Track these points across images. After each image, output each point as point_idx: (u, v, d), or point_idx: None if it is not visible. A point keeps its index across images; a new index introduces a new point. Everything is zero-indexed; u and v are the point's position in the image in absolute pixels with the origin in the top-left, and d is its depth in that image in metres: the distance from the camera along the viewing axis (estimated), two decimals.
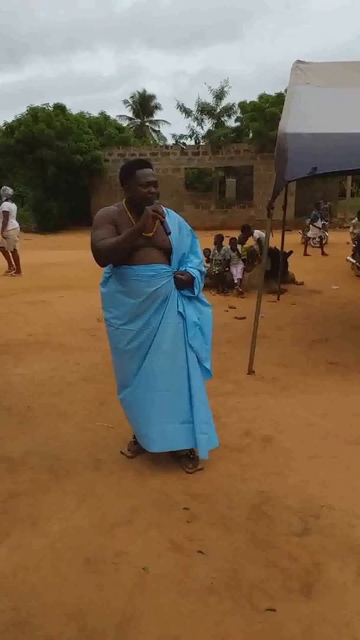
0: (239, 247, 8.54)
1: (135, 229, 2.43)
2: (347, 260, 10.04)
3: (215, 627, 1.78)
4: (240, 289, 8.02)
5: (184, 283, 2.65)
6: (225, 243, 8.48)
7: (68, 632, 1.77)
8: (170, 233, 2.55)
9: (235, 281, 8.13)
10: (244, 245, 8.67)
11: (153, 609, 1.86)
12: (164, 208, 2.66)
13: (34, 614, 1.84)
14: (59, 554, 2.16)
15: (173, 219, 2.71)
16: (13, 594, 1.95)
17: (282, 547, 2.19)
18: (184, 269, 2.70)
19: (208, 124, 22.70)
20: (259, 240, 8.45)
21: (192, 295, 2.71)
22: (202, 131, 22.70)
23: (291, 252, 8.52)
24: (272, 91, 22.40)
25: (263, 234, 7.67)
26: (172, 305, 2.64)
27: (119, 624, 1.80)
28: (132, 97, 35.06)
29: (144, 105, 35.25)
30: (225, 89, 21.95)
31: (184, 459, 2.83)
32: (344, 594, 1.93)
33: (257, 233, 8.60)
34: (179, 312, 2.66)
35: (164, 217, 2.47)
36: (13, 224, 9.99)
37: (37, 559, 2.13)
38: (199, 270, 2.75)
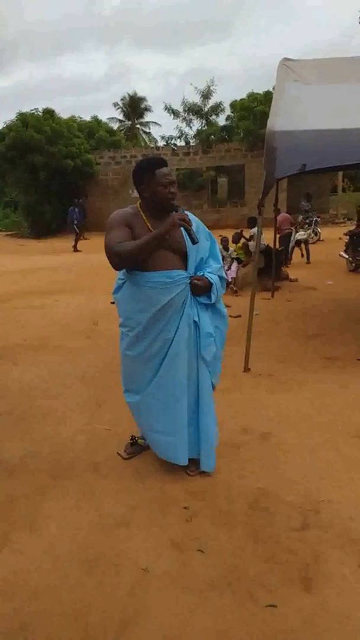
0: (232, 246, 8.58)
1: (157, 233, 2.26)
2: (340, 255, 10.08)
3: (216, 622, 1.79)
4: (234, 288, 8.04)
5: (200, 289, 2.50)
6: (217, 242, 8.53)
7: (70, 633, 1.77)
8: (197, 242, 2.38)
9: (230, 280, 8.15)
10: (237, 244, 8.71)
11: (154, 608, 1.87)
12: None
13: (36, 617, 1.84)
14: (58, 556, 2.16)
15: (191, 221, 2.56)
16: (14, 596, 1.94)
17: (282, 541, 2.20)
18: (202, 274, 2.54)
19: (197, 124, 22.68)
20: (251, 237, 8.53)
21: (208, 302, 2.56)
22: (191, 131, 22.68)
23: (283, 249, 8.54)
24: (262, 88, 22.40)
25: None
26: (189, 313, 2.50)
27: (120, 623, 1.80)
28: (122, 99, 35.21)
29: (134, 107, 35.31)
30: (211, 88, 21.90)
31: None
32: (344, 586, 1.93)
33: (252, 230, 8.65)
34: (194, 320, 2.52)
35: (190, 226, 2.30)
36: None
37: (37, 562, 2.13)
38: (218, 275, 2.59)
